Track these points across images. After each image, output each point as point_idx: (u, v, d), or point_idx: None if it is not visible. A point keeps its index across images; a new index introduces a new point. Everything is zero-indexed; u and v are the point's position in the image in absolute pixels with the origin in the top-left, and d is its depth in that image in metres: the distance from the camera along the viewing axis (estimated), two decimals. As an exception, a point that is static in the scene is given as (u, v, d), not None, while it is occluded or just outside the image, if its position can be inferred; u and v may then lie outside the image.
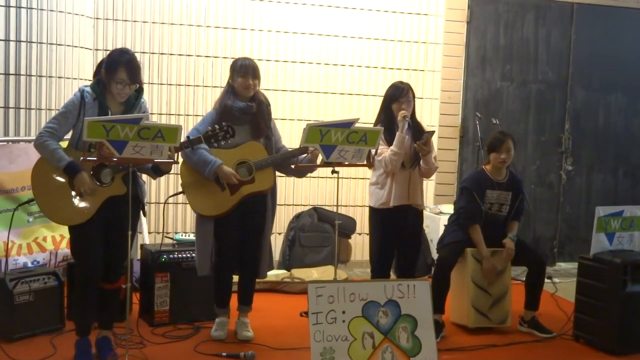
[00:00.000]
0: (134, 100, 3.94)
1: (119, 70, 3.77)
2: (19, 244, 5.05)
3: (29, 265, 5.02)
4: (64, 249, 5.17)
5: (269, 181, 4.41)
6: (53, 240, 5.24)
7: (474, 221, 4.87)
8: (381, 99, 4.81)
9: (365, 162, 4.33)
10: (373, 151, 4.43)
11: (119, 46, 5.45)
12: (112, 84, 3.80)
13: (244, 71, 4.38)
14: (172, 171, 6.13)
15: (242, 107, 4.38)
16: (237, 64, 4.43)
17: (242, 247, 4.50)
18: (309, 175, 6.49)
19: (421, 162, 4.65)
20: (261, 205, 4.49)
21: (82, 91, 3.86)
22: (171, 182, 6.39)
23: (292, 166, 4.48)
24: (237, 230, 4.44)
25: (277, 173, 4.62)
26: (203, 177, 4.31)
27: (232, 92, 4.42)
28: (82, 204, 3.79)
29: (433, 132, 4.69)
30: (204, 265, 4.46)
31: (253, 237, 4.50)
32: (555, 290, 5.89)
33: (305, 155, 4.38)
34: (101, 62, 3.93)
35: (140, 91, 3.97)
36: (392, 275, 5.00)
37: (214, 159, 4.26)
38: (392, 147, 4.54)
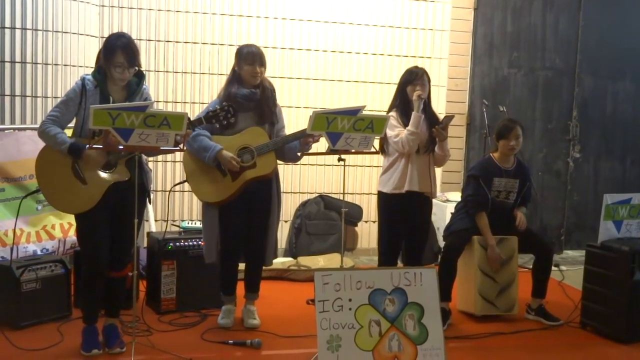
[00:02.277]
0: (136, 87, 3.94)
1: (116, 54, 3.77)
2: (28, 232, 5.06)
3: (39, 252, 5.04)
4: (72, 236, 5.18)
5: (271, 166, 4.38)
6: (61, 228, 5.25)
7: (480, 209, 4.86)
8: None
9: (372, 150, 4.31)
10: (388, 134, 4.42)
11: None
12: (111, 69, 3.80)
13: (251, 59, 4.35)
14: (177, 159, 6.20)
15: (247, 93, 4.36)
16: (243, 52, 4.40)
17: (248, 234, 4.49)
18: (315, 163, 6.52)
19: (436, 148, 4.64)
20: (266, 192, 4.47)
21: (83, 79, 3.86)
22: (177, 169, 6.39)
23: (299, 154, 4.44)
24: (242, 217, 4.43)
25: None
26: (205, 165, 4.31)
27: (237, 79, 4.40)
28: (87, 192, 3.79)
29: (453, 116, 4.68)
30: (211, 252, 4.46)
31: (260, 224, 4.49)
32: (562, 278, 5.87)
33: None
34: (101, 49, 3.93)
35: (141, 77, 3.97)
36: (399, 264, 4.98)
37: (213, 145, 4.24)
38: (408, 127, 4.51)
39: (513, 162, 4.99)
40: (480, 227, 4.86)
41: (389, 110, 4.72)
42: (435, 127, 4.54)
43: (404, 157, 4.60)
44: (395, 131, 4.54)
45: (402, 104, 4.67)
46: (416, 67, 4.79)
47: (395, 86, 4.76)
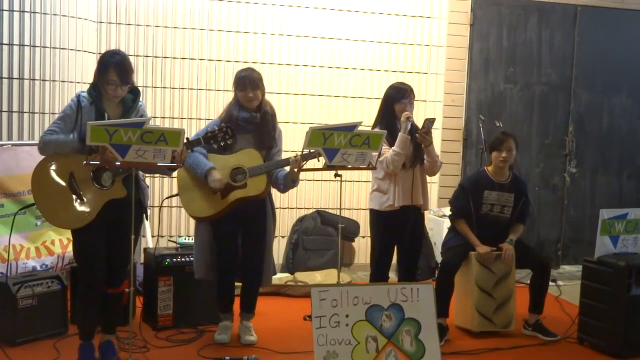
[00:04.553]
0: (131, 103, 3.95)
1: (109, 72, 3.79)
2: (28, 248, 5.05)
3: (38, 268, 5.02)
4: (71, 252, 5.15)
5: (261, 187, 4.38)
6: (61, 244, 5.24)
7: (458, 216, 4.90)
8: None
9: (367, 165, 4.32)
10: (375, 154, 4.41)
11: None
12: (104, 86, 3.81)
13: (242, 84, 4.40)
14: (173, 175, 6.21)
15: (246, 117, 4.40)
16: (236, 77, 4.47)
17: (244, 255, 4.51)
18: (312, 178, 6.52)
19: (425, 156, 4.63)
20: (261, 212, 4.49)
21: (78, 96, 3.87)
22: (174, 185, 6.38)
23: (295, 169, 4.44)
24: (236, 236, 4.47)
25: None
26: (197, 180, 4.34)
27: (238, 103, 4.44)
28: (83, 208, 3.79)
29: (434, 119, 4.63)
30: (200, 268, 4.49)
31: (255, 245, 4.50)
32: (559, 293, 5.87)
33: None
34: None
35: (137, 94, 3.98)
36: (392, 276, 4.98)
37: (205, 163, 4.28)
38: (394, 148, 4.51)
39: (508, 176, 4.99)
40: (461, 232, 4.88)
41: (373, 127, 4.72)
42: (418, 132, 4.51)
43: (392, 174, 4.60)
44: (381, 150, 4.50)
45: (386, 120, 4.66)
46: (403, 83, 4.78)
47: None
